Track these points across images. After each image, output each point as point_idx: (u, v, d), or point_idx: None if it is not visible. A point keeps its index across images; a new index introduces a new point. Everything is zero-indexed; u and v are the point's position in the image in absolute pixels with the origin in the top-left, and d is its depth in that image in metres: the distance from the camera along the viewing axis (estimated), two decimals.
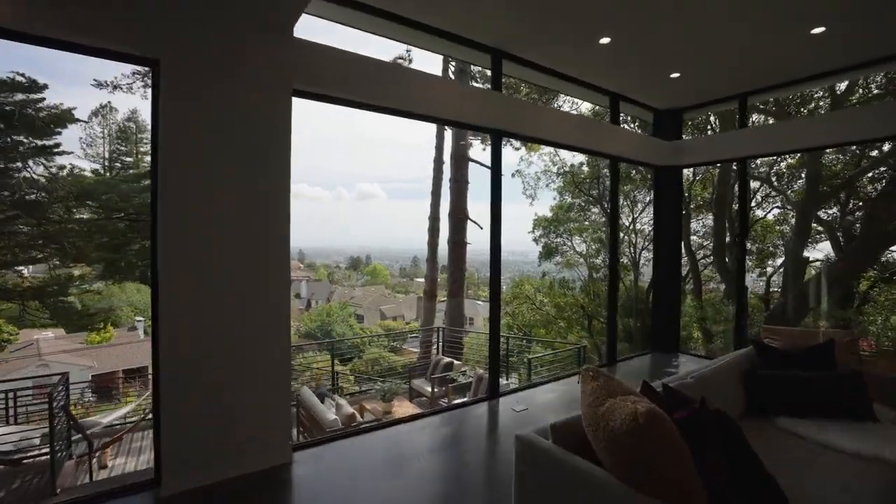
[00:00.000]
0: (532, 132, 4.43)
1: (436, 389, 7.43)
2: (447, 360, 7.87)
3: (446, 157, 14.31)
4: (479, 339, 13.14)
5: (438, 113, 3.83)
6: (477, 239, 14.06)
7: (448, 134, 14.35)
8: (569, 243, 15.04)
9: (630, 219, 15.21)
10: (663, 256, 6.11)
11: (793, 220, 10.93)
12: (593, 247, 14.88)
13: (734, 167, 8.65)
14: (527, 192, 14.41)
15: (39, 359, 26.18)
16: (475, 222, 13.30)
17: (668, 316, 6.12)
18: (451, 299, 12.29)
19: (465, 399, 6.67)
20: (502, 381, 7.38)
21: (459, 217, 12.82)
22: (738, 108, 5.38)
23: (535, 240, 15.00)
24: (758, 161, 10.10)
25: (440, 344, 10.05)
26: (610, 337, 5.51)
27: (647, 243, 14.85)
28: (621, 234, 14.62)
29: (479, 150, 22.11)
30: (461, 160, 12.97)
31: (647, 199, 15.98)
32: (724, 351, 9.93)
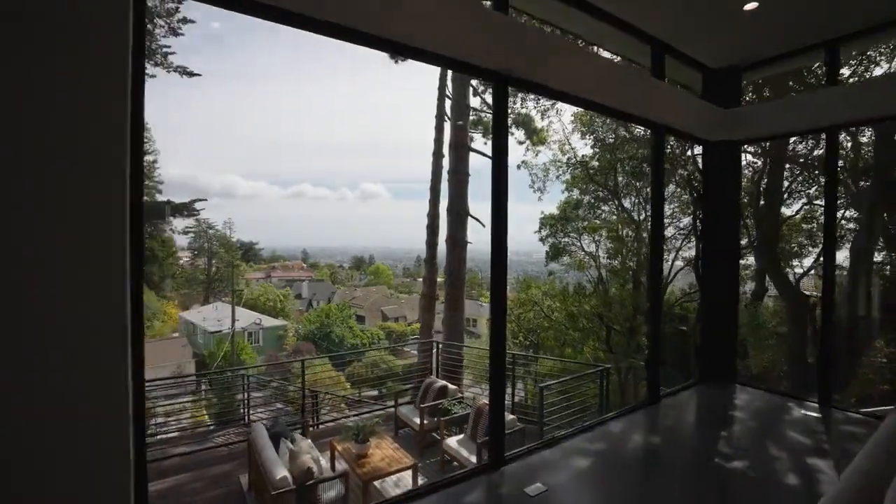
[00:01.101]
0: (550, 80, 3.07)
1: (426, 421, 6.09)
2: (440, 384, 6.51)
3: (446, 150, 13.00)
4: (482, 351, 11.80)
5: (416, 41, 2.48)
6: (479, 238, 12.76)
7: (448, 125, 13.04)
8: (578, 243, 13.73)
9: (641, 217, 13.89)
10: (715, 261, 4.72)
11: (818, 218, 9.55)
12: (605, 246, 13.51)
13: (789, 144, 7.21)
14: (535, 186, 13.02)
15: None
16: (477, 219, 11.95)
17: (720, 338, 4.73)
18: (448, 310, 10.91)
19: (455, 455, 5.31)
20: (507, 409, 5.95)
21: (459, 213, 11.45)
22: (824, 61, 3.99)
23: (541, 239, 13.72)
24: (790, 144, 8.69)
25: (435, 361, 8.68)
26: (652, 367, 4.13)
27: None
28: (631, 233, 13.27)
29: (481, 144, 20.78)
30: (461, 149, 11.61)
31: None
32: (768, 373, 8.50)
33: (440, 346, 8.93)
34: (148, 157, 47.91)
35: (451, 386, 6.54)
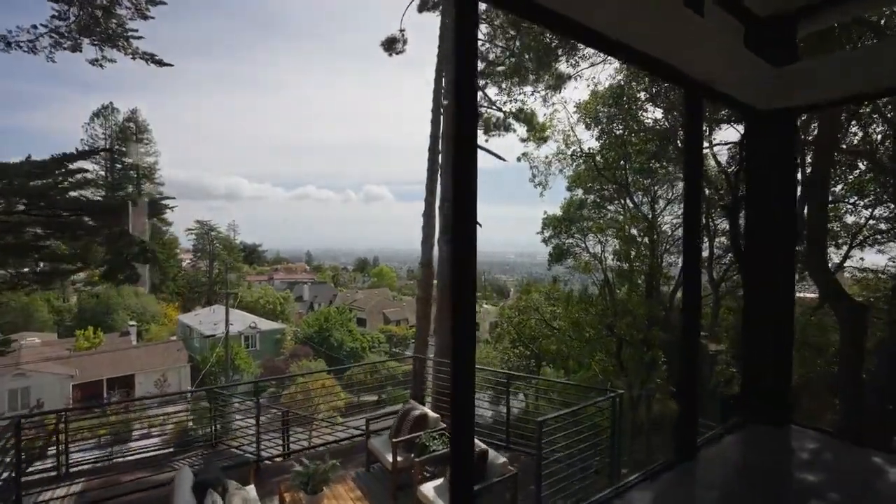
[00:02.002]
0: None
1: (399, 458, 5.04)
2: (419, 411, 5.44)
3: (441, 144, 11.97)
4: (479, 360, 10.76)
5: None
6: (479, 238, 11.69)
7: (443, 117, 12.02)
8: (582, 244, 12.70)
9: (651, 216, 12.82)
10: (763, 264, 3.64)
11: (843, 217, 8.37)
12: (613, 247, 12.41)
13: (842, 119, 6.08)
14: (536, 180, 11.96)
15: (17, 368, 24.35)
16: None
17: (771, 366, 3.64)
18: (440, 315, 9.85)
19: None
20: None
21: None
22: None
23: (544, 241, 12.73)
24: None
25: (417, 381, 7.62)
26: (688, 413, 3.06)
27: (667, 246, 12.57)
28: (642, 232, 12.16)
29: (482, 141, 19.70)
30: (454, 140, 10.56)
31: (670, 194, 13.57)
32: (796, 394, 7.34)
33: (429, 362, 7.87)
34: (149, 159, 47.44)
35: (432, 414, 5.48)
